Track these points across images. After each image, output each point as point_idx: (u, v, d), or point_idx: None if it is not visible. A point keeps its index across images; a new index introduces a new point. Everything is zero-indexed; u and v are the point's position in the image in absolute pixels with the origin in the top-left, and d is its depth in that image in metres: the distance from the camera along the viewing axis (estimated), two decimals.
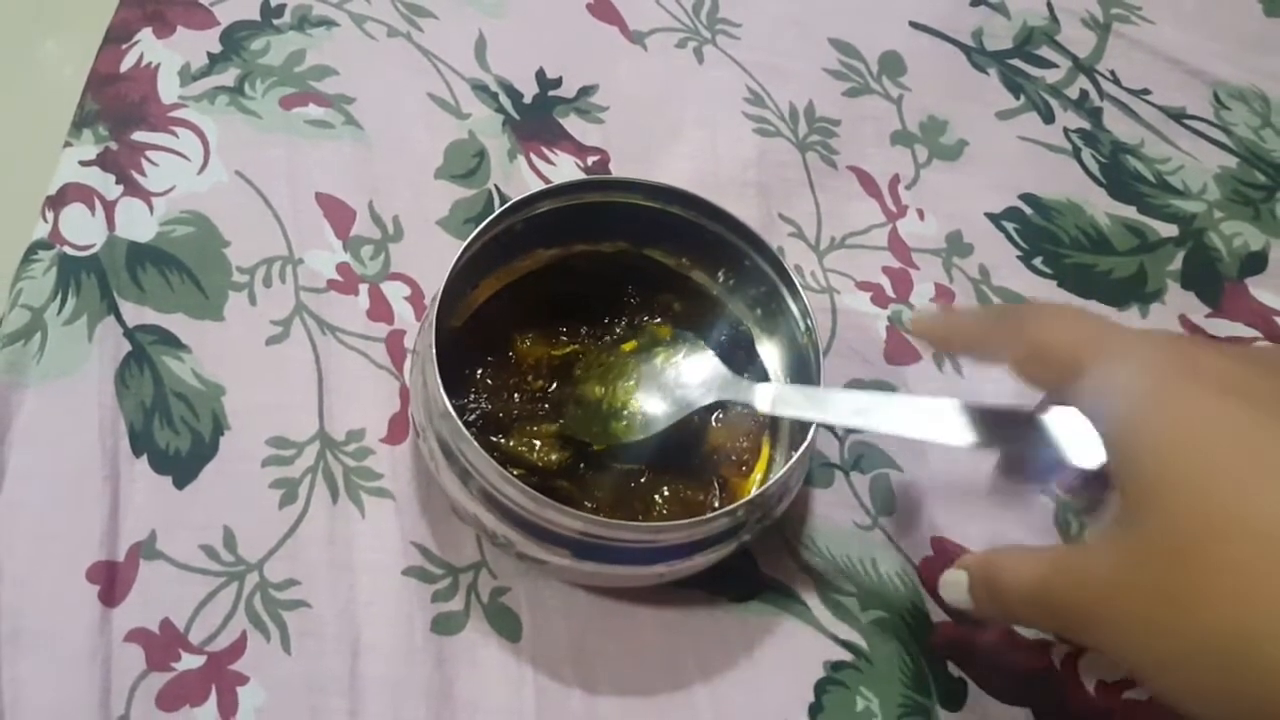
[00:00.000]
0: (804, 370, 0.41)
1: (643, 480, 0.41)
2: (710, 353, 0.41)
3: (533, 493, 0.35)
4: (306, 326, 0.44)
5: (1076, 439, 0.30)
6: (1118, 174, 0.55)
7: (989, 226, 0.53)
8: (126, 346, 0.43)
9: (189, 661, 0.38)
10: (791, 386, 0.41)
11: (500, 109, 0.51)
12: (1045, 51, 0.59)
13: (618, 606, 0.41)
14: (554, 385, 0.43)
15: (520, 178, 0.50)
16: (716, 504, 0.41)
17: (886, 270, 0.51)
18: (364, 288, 0.46)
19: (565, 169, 0.50)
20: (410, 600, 0.40)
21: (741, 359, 0.44)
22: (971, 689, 0.42)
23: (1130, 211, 0.54)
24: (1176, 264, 0.53)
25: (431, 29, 0.53)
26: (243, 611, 0.39)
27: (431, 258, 0.46)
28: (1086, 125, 0.57)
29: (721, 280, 0.45)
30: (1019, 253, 0.52)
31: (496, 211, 0.40)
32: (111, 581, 0.39)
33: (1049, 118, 0.56)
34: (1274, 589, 0.23)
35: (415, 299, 0.46)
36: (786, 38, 0.56)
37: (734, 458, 0.42)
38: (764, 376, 0.44)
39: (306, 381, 0.43)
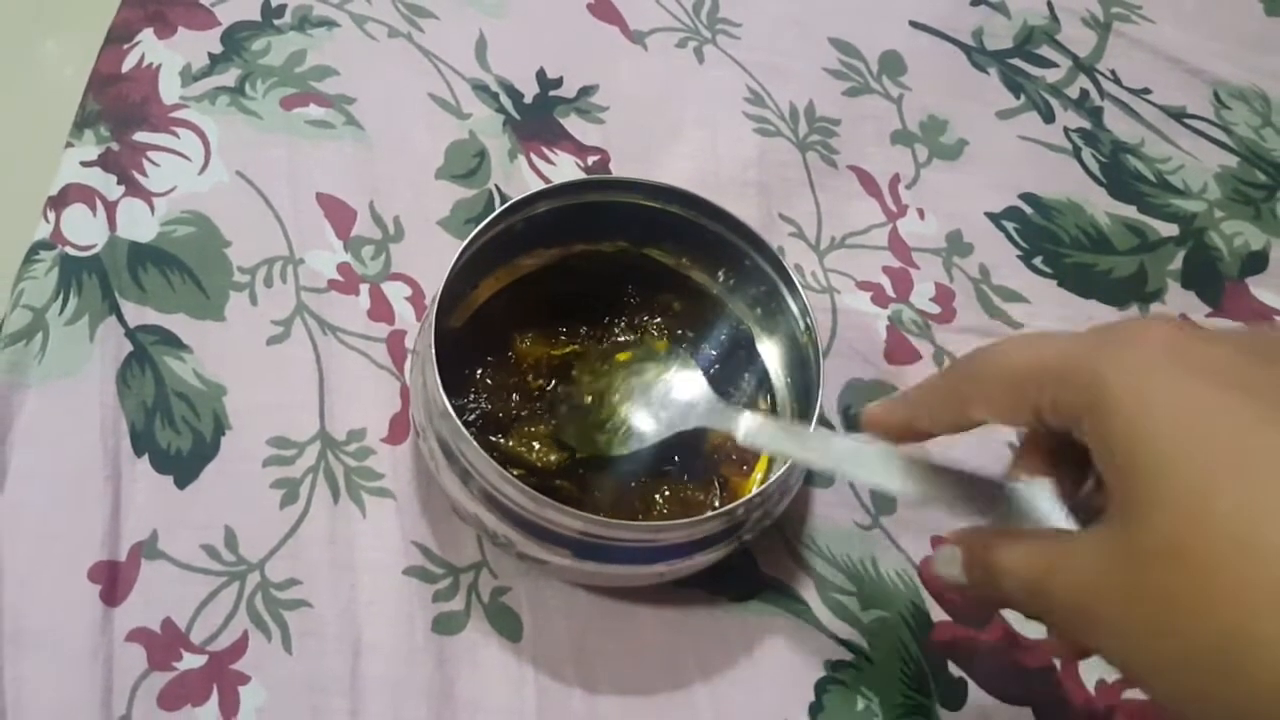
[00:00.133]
0: (804, 370, 0.41)
1: (643, 480, 0.41)
2: (700, 374, 0.40)
3: (533, 493, 0.35)
4: (307, 326, 0.45)
5: (1047, 511, 0.29)
6: (1118, 173, 0.55)
7: (989, 226, 0.53)
8: (128, 346, 0.43)
9: (190, 661, 0.38)
10: (774, 421, 0.40)
11: (501, 109, 0.51)
12: (1045, 51, 0.59)
13: (618, 606, 0.41)
14: (554, 385, 0.43)
15: (520, 178, 0.50)
16: (717, 503, 0.41)
17: (887, 270, 0.51)
18: (365, 288, 0.46)
19: (565, 169, 0.50)
20: (411, 600, 0.40)
21: (741, 358, 0.44)
22: (971, 689, 0.42)
23: (1130, 211, 0.54)
24: (1177, 263, 0.53)
25: (432, 29, 0.53)
26: (244, 611, 0.39)
27: (432, 258, 0.46)
28: (1087, 125, 0.56)
29: (722, 280, 0.45)
30: (1019, 252, 0.52)
31: (496, 211, 0.40)
32: (113, 581, 0.39)
33: (1049, 117, 0.56)
34: (1272, 592, 0.23)
35: (416, 299, 0.46)
36: (787, 37, 0.56)
37: (734, 457, 0.42)
38: (764, 376, 0.44)
39: (307, 381, 0.43)
